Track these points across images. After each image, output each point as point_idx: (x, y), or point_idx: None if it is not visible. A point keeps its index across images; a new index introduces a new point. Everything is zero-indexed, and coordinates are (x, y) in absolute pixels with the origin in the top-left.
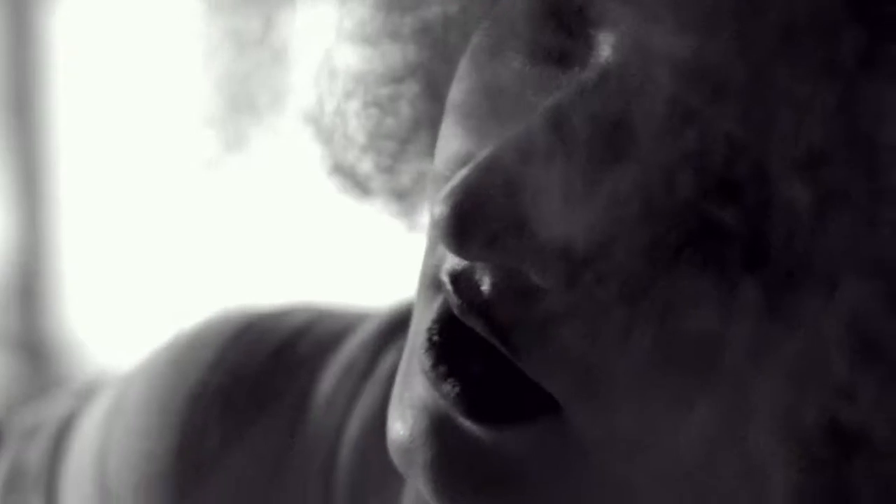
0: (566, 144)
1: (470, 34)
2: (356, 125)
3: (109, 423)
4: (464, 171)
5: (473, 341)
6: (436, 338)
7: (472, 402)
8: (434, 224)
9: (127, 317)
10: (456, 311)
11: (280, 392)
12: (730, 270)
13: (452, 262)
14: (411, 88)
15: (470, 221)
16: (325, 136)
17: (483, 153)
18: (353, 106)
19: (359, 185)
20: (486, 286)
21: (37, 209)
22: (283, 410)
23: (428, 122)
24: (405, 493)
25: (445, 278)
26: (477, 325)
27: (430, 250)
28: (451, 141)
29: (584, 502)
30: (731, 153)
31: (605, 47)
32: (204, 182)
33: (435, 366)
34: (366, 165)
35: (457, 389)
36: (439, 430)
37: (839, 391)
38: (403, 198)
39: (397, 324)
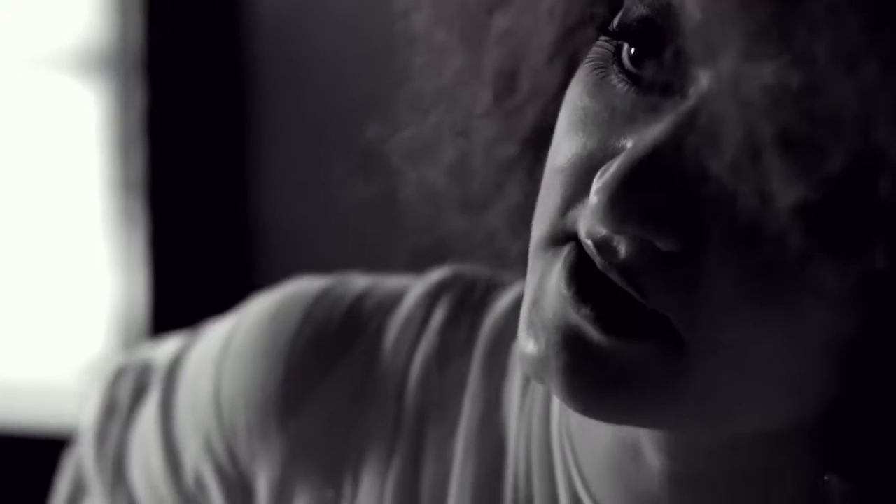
0: (692, 153)
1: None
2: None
3: (220, 361)
4: (613, 168)
5: (600, 278)
6: (576, 271)
7: (603, 318)
8: (593, 209)
9: None
10: (599, 267)
11: (355, 339)
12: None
13: (587, 228)
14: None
15: (626, 206)
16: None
17: (624, 155)
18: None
19: None
20: (622, 249)
21: None
22: (359, 353)
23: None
24: (461, 416)
25: (589, 241)
26: (616, 279)
27: (554, 218)
28: (570, 144)
29: (685, 398)
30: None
31: (706, 80)
32: None
33: (577, 292)
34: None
35: (595, 310)
36: (570, 342)
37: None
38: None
39: (440, 287)
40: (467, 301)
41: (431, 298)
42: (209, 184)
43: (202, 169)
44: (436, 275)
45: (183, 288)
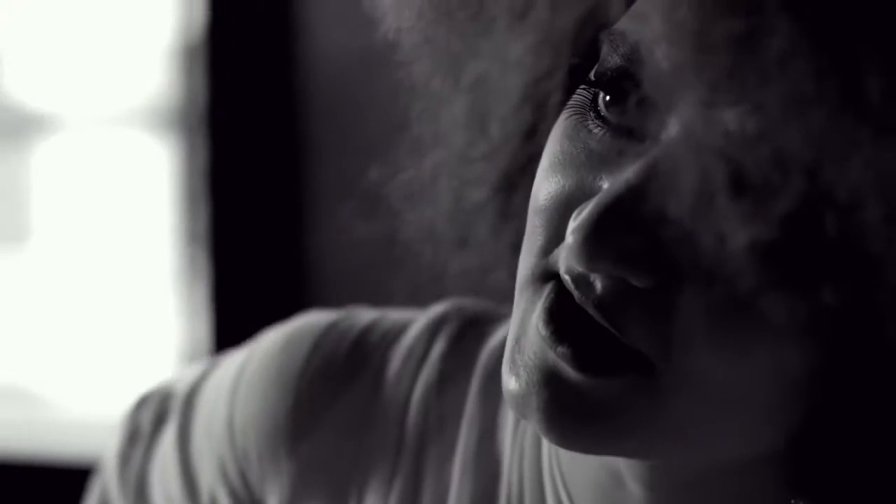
0: (659, 195)
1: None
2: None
3: (234, 390)
4: (587, 211)
5: (577, 316)
6: (553, 312)
7: (579, 357)
8: (569, 249)
9: None
10: (577, 301)
11: (361, 369)
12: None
13: (566, 265)
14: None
15: (599, 247)
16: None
17: (597, 199)
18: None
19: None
20: (598, 286)
21: None
22: (364, 382)
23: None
24: (459, 440)
25: (567, 277)
26: (592, 312)
27: (536, 258)
28: (550, 185)
29: (660, 427)
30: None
31: (674, 126)
32: None
33: (553, 332)
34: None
35: (571, 349)
36: (549, 380)
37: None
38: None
39: (441, 320)
40: (466, 333)
41: (432, 331)
42: (268, 235)
43: (261, 222)
44: (437, 308)
45: (243, 332)
